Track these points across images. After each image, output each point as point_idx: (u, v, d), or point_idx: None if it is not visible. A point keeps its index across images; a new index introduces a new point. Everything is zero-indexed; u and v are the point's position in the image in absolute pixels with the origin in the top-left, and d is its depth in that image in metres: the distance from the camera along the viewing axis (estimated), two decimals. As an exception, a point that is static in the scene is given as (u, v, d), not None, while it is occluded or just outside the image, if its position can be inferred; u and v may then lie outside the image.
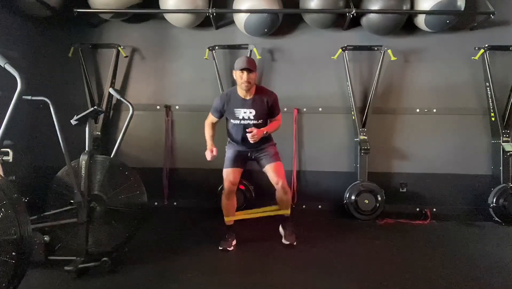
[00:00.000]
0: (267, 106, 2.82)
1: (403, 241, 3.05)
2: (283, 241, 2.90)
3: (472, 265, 2.54)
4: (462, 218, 3.71)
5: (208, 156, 2.82)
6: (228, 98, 2.84)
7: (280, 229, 3.04)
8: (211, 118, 2.96)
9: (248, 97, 2.81)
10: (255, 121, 2.82)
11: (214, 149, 2.81)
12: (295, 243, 2.84)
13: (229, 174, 2.83)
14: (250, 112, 2.80)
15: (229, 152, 2.97)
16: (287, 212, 2.99)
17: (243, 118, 2.82)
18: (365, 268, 2.47)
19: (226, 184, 2.83)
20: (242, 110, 2.81)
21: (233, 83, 3.97)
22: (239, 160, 2.91)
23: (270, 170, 2.83)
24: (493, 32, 3.87)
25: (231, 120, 2.88)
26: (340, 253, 2.76)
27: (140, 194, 2.59)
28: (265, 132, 2.79)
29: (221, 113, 2.90)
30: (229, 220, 2.92)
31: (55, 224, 2.39)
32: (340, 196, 3.79)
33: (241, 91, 2.80)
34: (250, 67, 2.67)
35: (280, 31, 3.95)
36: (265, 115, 2.86)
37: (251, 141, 2.74)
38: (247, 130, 2.76)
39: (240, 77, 2.70)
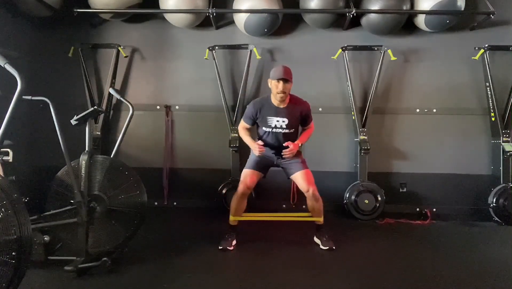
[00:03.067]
0: (300, 116, 2.81)
1: (403, 241, 3.05)
2: (322, 247, 2.79)
3: (472, 265, 2.54)
4: (462, 218, 3.71)
5: (256, 150, 2.77)
6: (262, 105, 2.79)
7: (315, 239, 2.91)
8: (243, 125, 2.91)
9: (282, 106, 2.77)
10: (286, 130, 2.79)
11: (259, 142, 2.79)
12: (334, 247, 2.75)
13: (247, 176, 2.78)
14: (283, 122, 2.77)
15: (254, 154, 2.89)
16: (320, 219, 2.88)
17: (275, 127, 2.79)
18: (365, 268, 2.47)
19: (241, 185, 2.77)
20: (275, 118, 2.77)
21: (233, 83, 4.00)
22: (262, 165, 2.86)
23: (300, 178, 2.79)
24: (493, 32, 3.87)
25: (263, 128, 2.84)
26: (340, 253, 2.76)
27: (140, 194, 2.59)
28: (300, 145, 2.80)
29: (253, 121, 2.85)
30: (234, 219, 2.88)
31: (55, 224, 2.39)
32: (340, 196, 3.80)
33: (275, 100, 2.75)
34: (287, 77, 2.63)
35: (280, 31, 3.95)
36: (296, 124, 2.84)
37: (287, 156, 2.75)
38: (283, 144, 2.76)
39: (276, 86, 2.65)
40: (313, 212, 2.86)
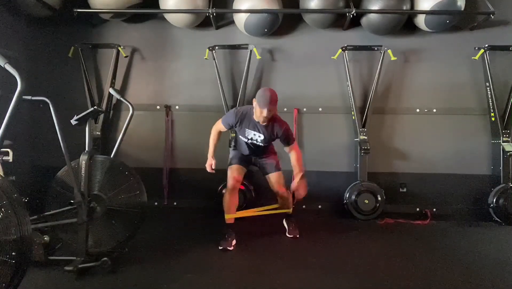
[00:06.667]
0: (276, 136, 2.87)
1: (403, 241, 3.05)
2: (287, 234, 3.09)
3: (472, 265, 2.54)
4: (462, 218, 3.72)
5: (208, 168, 2.92)
6: (243, 117, 2.84)
7: (284, 222, 3.21)
8: (220, 126, 2.96)
9: (261, 123, 2.80)
10: (261, 144, 2.91)
11: (214, 162, 2.91)
12: (298, 236, 3.05)
13: (233, 171, 2.93)
14: (259, 136, 2.86)
15: (234, 152, 3.08)
16: (289, 210, 3.16)
17: (251, 139, 2.89)
18: (365, 268, 2.47)
19: (230, 180, 2.90)
20: (253, 132, 2.86)
21: (233, 83, 4.00)
22: (244, 160, 3.03)
23: (272, 180, 3.01)
24: (493, 32, 3.87)
25: (240, 136, 2.96)
26: (340, 253, 2.76)
27: (140, 194, 2.59)
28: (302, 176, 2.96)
29: (231, 127, 2.94)
30: (229, 217, 2.93)
31: (55, 224, 2.39)
32: (340, 196, 3.80)
33: (256, 117, 2.78)
34: (272, 106, 2.64)
35: (280, 31, 3.95)
36: (271, 140, 2.94)
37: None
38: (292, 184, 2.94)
39: (261, 112, 2.66)
40: (282, 206, 3.14)
